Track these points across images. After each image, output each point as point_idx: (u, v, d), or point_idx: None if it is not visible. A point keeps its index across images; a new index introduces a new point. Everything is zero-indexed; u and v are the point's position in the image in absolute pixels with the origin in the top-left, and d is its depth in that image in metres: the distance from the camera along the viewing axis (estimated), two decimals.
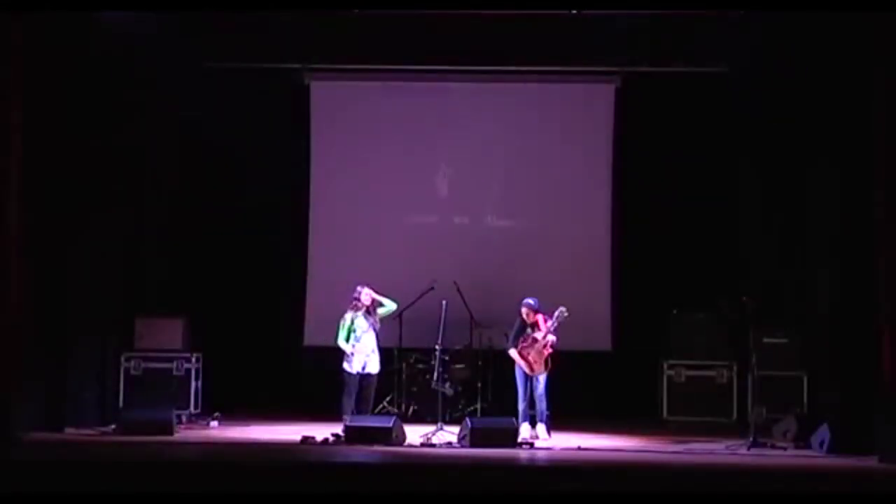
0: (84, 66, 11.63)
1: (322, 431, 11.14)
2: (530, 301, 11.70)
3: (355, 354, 11.67)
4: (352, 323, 11.71)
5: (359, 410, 11.61)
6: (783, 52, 12.01)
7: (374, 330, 11.79)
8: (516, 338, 11.69)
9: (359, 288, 11.77)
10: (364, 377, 11.73)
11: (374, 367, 11.79)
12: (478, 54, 12.80)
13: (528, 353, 11.65)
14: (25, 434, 10.80)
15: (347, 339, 11.69)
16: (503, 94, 13.90)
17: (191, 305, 13.04)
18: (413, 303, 11.99)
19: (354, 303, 11.75)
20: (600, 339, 13.51)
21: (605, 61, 13.24)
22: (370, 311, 11.77)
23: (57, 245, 11.55)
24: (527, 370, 11.66)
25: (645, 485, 9.04)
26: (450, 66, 13.35)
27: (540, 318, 11.68)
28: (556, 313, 11.48)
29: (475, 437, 10.73)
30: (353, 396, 11.68)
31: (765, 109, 12.76)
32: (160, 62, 12.62)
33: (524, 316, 11.70)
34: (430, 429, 11.55)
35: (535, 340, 11.57)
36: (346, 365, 11.70)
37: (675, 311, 12.96)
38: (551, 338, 11.51)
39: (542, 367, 11.64)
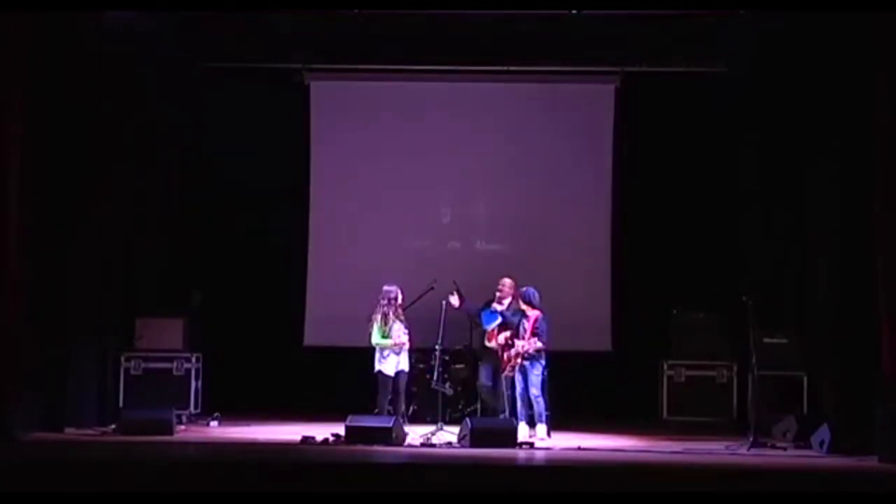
0: (84, 66, 11.63)
1: (322, 431, 11.14)
2: (523, 290, 11.72)
3: (389, 356, 11.65)
4: (384, 322, 11.66)
5: (395, 408, 11.62)
6: (783, 51, 12.02)
7: (405, 328, 11.74)
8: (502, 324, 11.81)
9: (387, 287, 11.73)
10: (399, 374, 11.71)
11: (405, 364, 11.78)
12: (478, 54, 12.80)
13: (501, 332, 11.81)
14: (25, 434, 10.80)
15: (384, 338, 11.65)
16: (503, 94, 13.90)
17: (191, 305, 13.04)
18: (413, 302, 11.97)
19: (391, 303, 11.67)
20: (600, 339, 13.50)
21: (605, 61, 13.25)
22: (399, 311, 11.73)
23: (57, 245, 11.55)
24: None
25: (645, 485, 9.03)
26: (450, 66, 13.35)
27: (531, 312, 11.63)
28: (530, 343, 11.47)
29: (475, 437, 10.73)
30: (391, 396, 11.67)
31: (764, 109, 12.76)
32: (160, 62, 12.62)
33: (519, 304, 11.74)
34: (430, 429, 11.56)
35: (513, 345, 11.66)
36: (380, 367, 11.64)
37: (675, 311, 12.97)
38: (525, 346, 11.56)
39: (490, 342, 11.86)
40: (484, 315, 11.94)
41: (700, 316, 12.88)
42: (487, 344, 11.96)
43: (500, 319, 11.86)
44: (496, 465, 9.86)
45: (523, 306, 11.72)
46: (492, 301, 12.07)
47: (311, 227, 13.97)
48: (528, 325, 11.61)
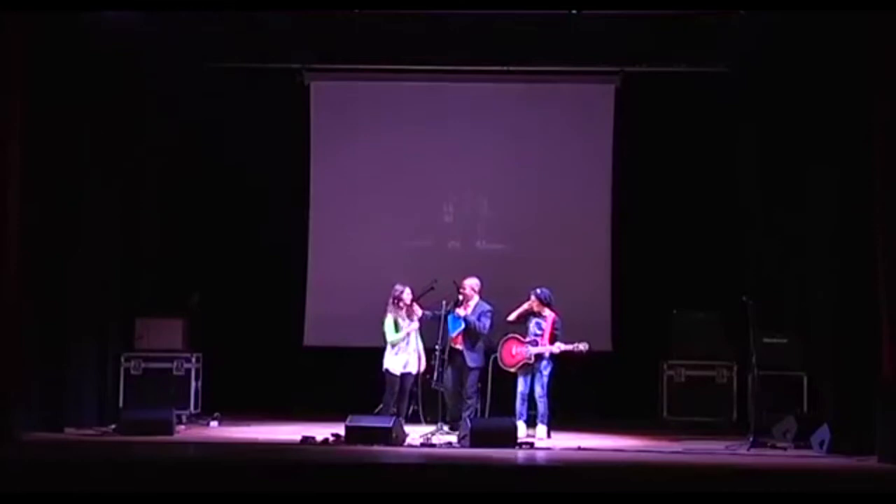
0: (84, 66, 11.63)
1: (322, 431, 11.13)
2: (538, 291, 11.74)
3: (398, 354, 11.64)
4: (395, 323, 11.66)
5: (399, 409, 11.61)
6: (783, 51, 12.02)
7: (417, 329, 11.74)
8: (519, 323, 11.76)
9: (399, 287, 11.72)
10: (405, 376, 11.71)
11: (414, 366, 11.77)
12: (478, 54, 12.81)
13: (513, 347, 11.70)
14: (25, 434, 10.80)
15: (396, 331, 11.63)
16: (503, 94, 13.90)
17: (189, 305, 13.04)
18: (413, 301, 11.95)
19: (397, 302, 11.67)
20: (600, 339, 13.44)
21: (605, 61, 13.26)
22: (410, 310, 11.72)
23: (57, 245, 11.55)
24: (501, 359, 11.75)
25: (645, 485, 9.03)
26: (450, 66, 13.36)
27: (548, 313, 11.68)
28: (576, 346, 11.51)
29: (475, 437, 10.73)
30: (396, 396, 11.66)
31: (764, 109, 12.76)
32: (160, 62, 12.62)
33: (532, 305, 11.72)
34: (430, 429, 11.56)
35: (535, 344, 11.60)
36: (388, 366, 11.65)
37: (675, 311, 12.97)
38: (545, 350, 11.58)
39: (510, 367, 11.72)
40: (449, 322, 11.79)
41: (700, 316, 12.88)
42: (453, 346, 11.88)
43: (463, 325, 11.79)
44: (496, 465, 9.86)
45: (536, 308, 11.73)
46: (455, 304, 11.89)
47: (312, 226, 13.98)
48: (546, 326, 11.64)
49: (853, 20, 10.50)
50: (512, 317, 11.84)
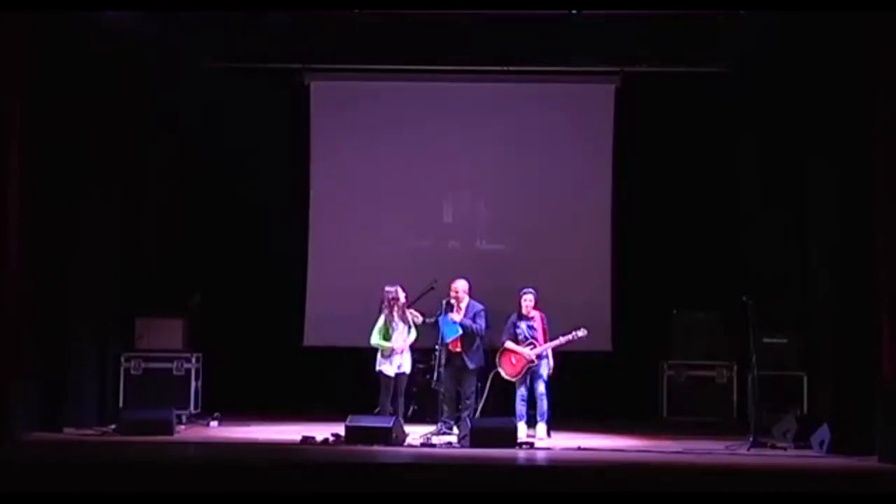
0: (85, 66, 11.63)
1: (322, 431, 11.14)
2: (531, 290, 11.72)
3: (393, 355, 11.61)
4: (386, 324, 11.64)
5: (396, 409, 11.59)
6: (783, 51, 12.02)
7: (408, 329, 11.72)
8: (509, 331, 11.73)
9: (388, 288, 11.68)
10: (399, 377, 11.69)
11: (407, 366, 11.73)
12: (478, 54, 12.82)
13: (512, 356, 11.68)
14: (25, 434, 10.80)
15: (386, 340, 11.57)
16: (503, 95, 13.89)
17: (188, 305, 13.05)
18: (413, 302, 11.96)
19: (392, 304, 11.62)
20: (600, 339, 13.42)
21: (605, 61, 13.26)
22: (403, 311, 11.68)
23: (57, 245, 11.55)
24: (503, 370, 11.70)
25: (645, 485, 9.04)
26: (450, 66, 13.36)
27: (535, 313, 11.68)
28: (575, 334, 11.49)
29: (475, 437, 10.73)
30: (391, 397, 11.63)
31: (764, 109, 12.76)
32: (160, 62, 12.63)
33: (522, 309, 11.71)
34: (430, 429, 11.56)
35: (533, 346, 11.59)
36: (381, 367, 11.60)
37: (675, 311, 12.97)
38: (546, 349, 11.58)
39: (515, 376, 11.68)
40: (444, 327, 11.72)
41: (700, 316, 12.90)
42: (452, 350, 11.75)
43: (460, 331, 11.71)
44: (496, 465, 9.86)
45: (524, 309, 11.72)
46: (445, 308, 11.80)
47: (311, 226, 13.97)
48: (537, 325, 11.63)
49: (853, 20, 10.50)
50: (510, 345, 11.76)
